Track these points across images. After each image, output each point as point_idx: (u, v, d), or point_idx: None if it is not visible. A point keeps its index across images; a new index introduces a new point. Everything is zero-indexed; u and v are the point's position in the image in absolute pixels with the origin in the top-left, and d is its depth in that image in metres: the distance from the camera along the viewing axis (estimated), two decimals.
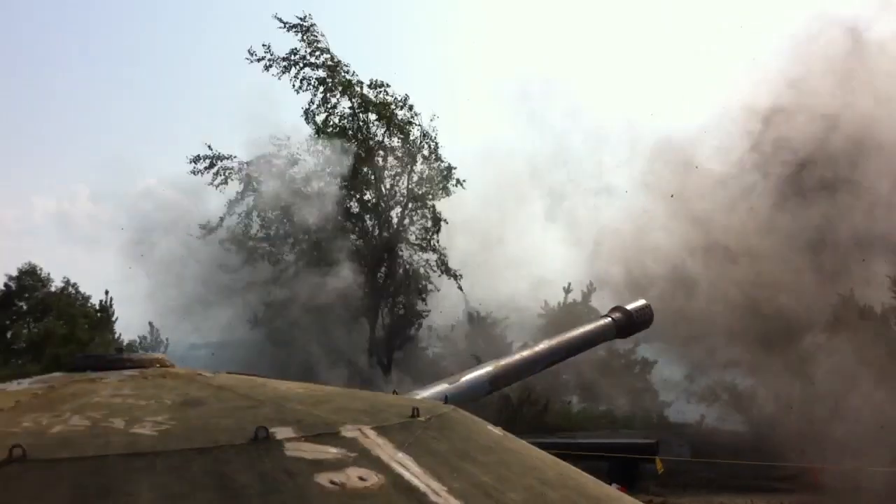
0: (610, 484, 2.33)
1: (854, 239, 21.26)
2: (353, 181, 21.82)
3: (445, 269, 22.20)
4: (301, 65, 21.58)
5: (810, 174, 22.44)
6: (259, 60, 21.30)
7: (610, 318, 5.99)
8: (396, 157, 22.28)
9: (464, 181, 22.47)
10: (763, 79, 24.04)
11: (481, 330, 23.97)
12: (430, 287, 22.63)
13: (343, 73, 21.88)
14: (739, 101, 23.95)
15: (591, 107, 40.73)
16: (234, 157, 21.70)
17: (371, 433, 1.81)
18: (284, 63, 21.47)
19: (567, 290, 24.74)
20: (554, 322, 22.08)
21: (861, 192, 21.27)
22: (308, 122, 22.07)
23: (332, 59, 21.79)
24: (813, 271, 21.22)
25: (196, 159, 21.39)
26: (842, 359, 18.24)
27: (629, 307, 6.08)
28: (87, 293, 27.58)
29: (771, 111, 23.41)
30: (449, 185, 22.30)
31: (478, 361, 7.32)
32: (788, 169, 22.84)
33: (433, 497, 1.59)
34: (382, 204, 22.22)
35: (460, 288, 22.41)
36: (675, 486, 14.04)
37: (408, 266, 22.41)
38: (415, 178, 22.28)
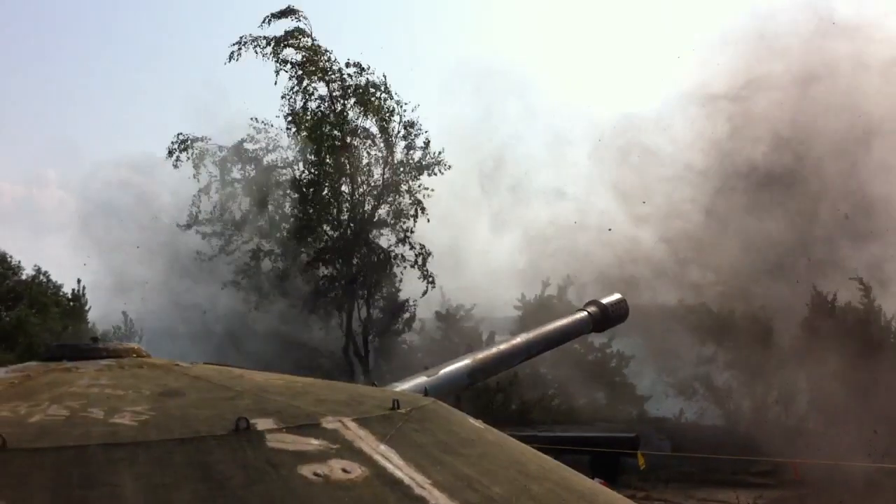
0: (592, 478, 2.33)
1: (824, 234, 21.55)
2: (322, 168, 21.74)
3: (422, 262, 22.13)
4: (282, 45, 21.33)
5: (773, 168, 22.70)
6: (244, 44, 21.06)
7: (586, 312, 6.01)
8: (374, 143, 22.13)
9: (449, 166, 22.39)
10: (724, 69, 24.24)
11: (454, 323, 24.01)
12: (401, 274, 22.52)
13: (323, 57, 21.68)
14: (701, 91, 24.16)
15: (551, 98, 41.02)
16: (209, 138, 21.53)
17: (352, 425, 1.80)
18: (266, 41, 21.23)
19: (545, 285, 24.80)
20: (530, 316, 22.16)
21: (827, 187, 21.56)
22: (286, 108, 21.82)
23: (312, 42, 21.62)
24: (786, 267, 21.47)
25: (172, 146, 21.21)
26: (817, 355, 18.47)
27: (605, 301, 6.09)
28: (59, 282, 27.32)
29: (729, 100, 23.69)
30: (436, 168, 22.17)
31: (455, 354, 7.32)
32: (752, 164, 23.10)
33: (417, 490, 1.59)
34: (358, 193, 22.09)
35: (432, 283, 22.31)
36: (656, 480, 14.15)
37: (381, 255, 22.28)
38: (394, 162, 22.14)
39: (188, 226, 21.86)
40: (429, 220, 22.17)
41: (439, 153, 22.16)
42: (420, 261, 22.09)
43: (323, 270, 22.03)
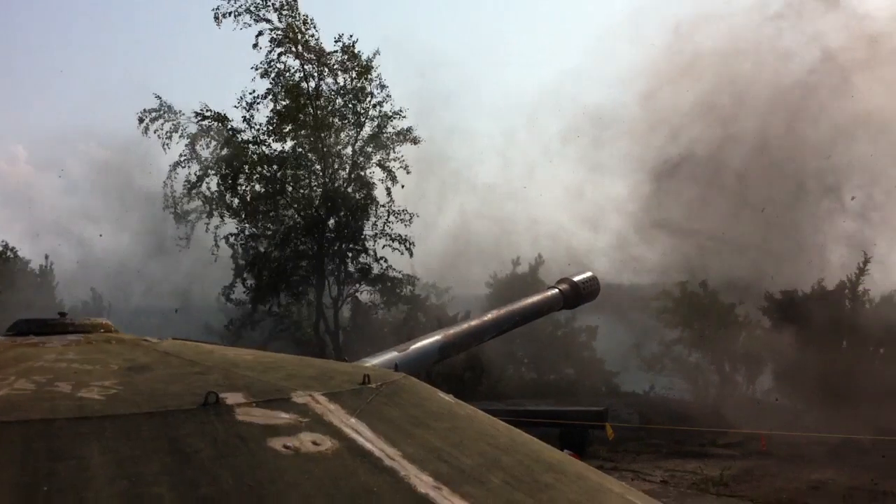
0: (562, 450, 2.35)
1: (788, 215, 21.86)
2: (295, 143, 21.64)
3: (399, 238, 22.10)
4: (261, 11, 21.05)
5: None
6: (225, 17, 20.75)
7: (557, 290, 6.04)
8: (346, 116, 22.02)
9: (420, 140, 22.32)
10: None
11: (425, 300, 24.09)
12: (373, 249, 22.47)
13: (307, 30, 21.43)
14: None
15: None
16: (182, 113, 21.24)
17: (322, 399, 1.80)
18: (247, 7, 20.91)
19: (515, 264, 24.94)
20: (499, 294, 22.30)
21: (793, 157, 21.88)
22: (261, 76, 21.55)
23: (292, 11, 21.31)
24: (751, 247, 21.79)
25: (143, 114, 20.90)
26: (780, 334, 18.81)
27: (576, 279, 6.13)
28: (27, 258, 27.06)
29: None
30: (405, 140, 22.12)
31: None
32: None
33: (387, 461, 1.59)
34: (331, 170, 21.97)
35: (409, 250, 22.24)
36: (626, 452, 14.35)
37: (353, 227, 22.20)
38: (365, 133, 22.07)
39: (164, 207, 21.59)
40: (403, 186, 22.15)
41: (409, 129, 22.16)
42: (394, 229, 22.07)
43: (296, 245, 21.96)
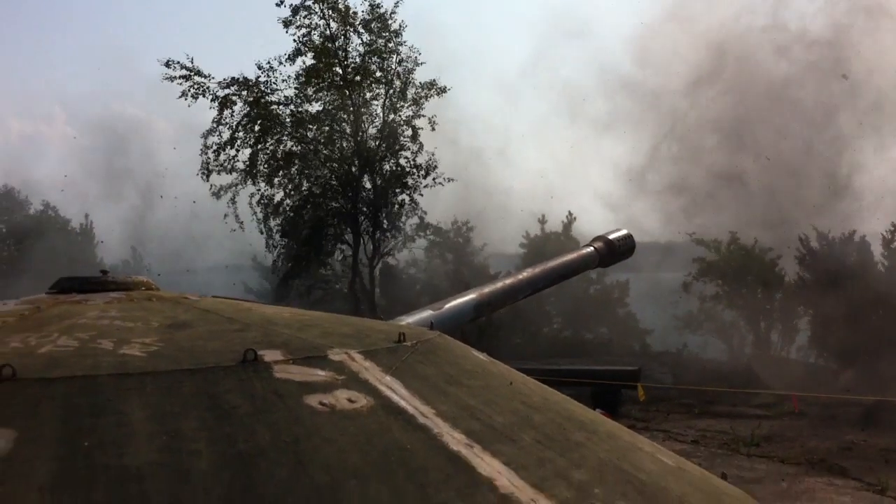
0: (594, 409, 2.37)
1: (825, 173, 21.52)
2: (325, 103, 21.62)
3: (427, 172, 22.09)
4: None
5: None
6: None
7: (592, 248, 6.00)
8: (375, 81, 21.96)
9: (448, 88, 22.22)
10: None
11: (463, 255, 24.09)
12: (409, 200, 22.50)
13: None
14: None
15: None
16: (212, 76, 21.19)
17: (358, 357, 1.82)
18: None
19: (542, 221, 24.80)
20: (534, 252, 22.24)
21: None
22: (284, 26, 21.41)
23: None
24: (788, 205, 21.50)
25: (168, 64, 20.81)
26: (813, 295, 18.59)
27: (611, 237, 6.07)
28: (67, 217, 27.46)
29: None
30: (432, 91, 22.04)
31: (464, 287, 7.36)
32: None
33: (421, 419, 1.62)
34: (361, 131, 21.93)
35: (442, 183, 22.24)
36: (658, 411, 14.34)
37: (389, 175, 22.21)
38: (394, 96, 22.00)
39: (202, 174, 21.53)
40: (434, 149, 22.06)
41: (433, 81, 22.08)
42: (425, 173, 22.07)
43: (330, 204, 22.03)
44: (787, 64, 22.82)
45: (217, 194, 21.46)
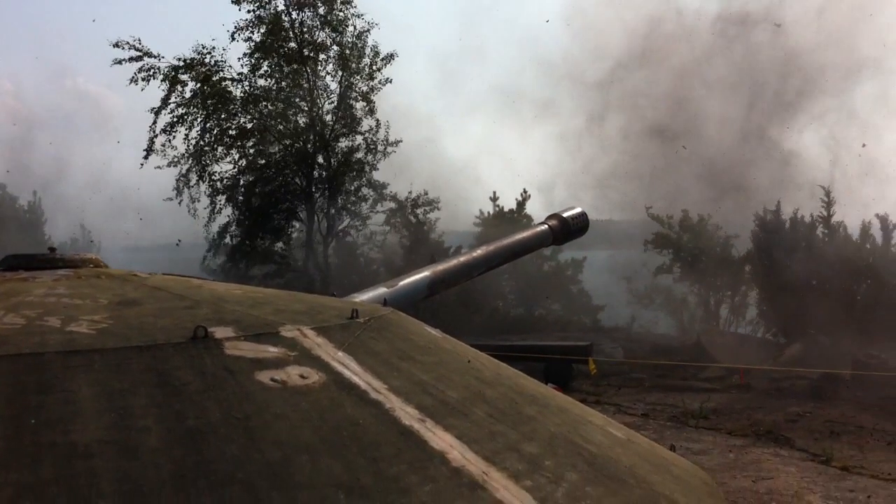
0: (546, 384, 2.40)
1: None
2: (277, 78, 21.41)
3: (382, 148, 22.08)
4: None
5: None
6: None
7: (546, 226, 6.04)
8: (329, 58, 21.79)
9: (395, 55, 22.13)
10: None
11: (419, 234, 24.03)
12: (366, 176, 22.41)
13: None
14: None
15: None
16: (162, 56, 20.74)
17: (311, 333, 1.82)
18: None
19: (493, 199, 24.80)
20: (489, 230, 22.29)
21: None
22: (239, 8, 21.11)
23: None
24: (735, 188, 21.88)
25: (117, 44, 20.29)
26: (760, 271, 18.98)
27: (565, 214, 6.12)
28: (15, 194, 26.87)
29: None
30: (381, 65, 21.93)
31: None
32: None
33: (373, 394, 1.62)
34: (316, 107, 21.74)
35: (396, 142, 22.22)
36: (609, 385, 14.49)
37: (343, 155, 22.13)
38: (349, 72, 21.86)
39: (145, 156, 21.05)
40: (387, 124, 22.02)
41: (389, 54, 22.00)
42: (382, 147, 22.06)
43: (283, 180, 21.85)
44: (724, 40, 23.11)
45: (162, 167, 21.13)
